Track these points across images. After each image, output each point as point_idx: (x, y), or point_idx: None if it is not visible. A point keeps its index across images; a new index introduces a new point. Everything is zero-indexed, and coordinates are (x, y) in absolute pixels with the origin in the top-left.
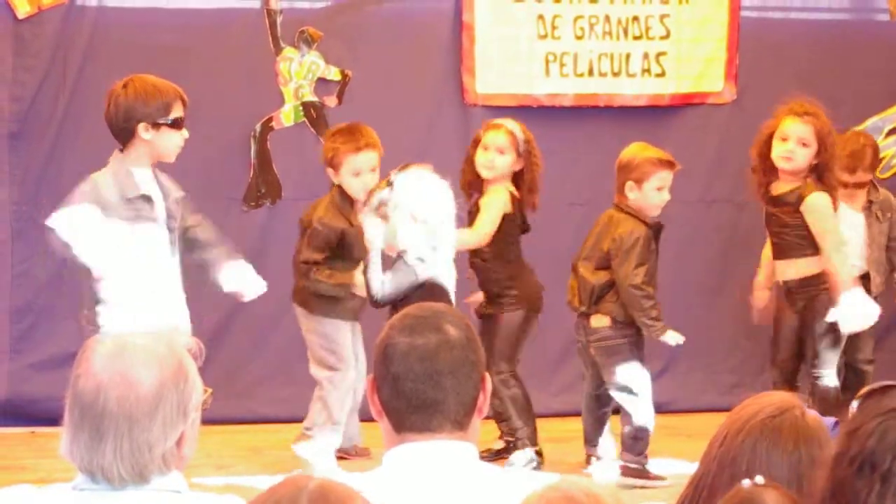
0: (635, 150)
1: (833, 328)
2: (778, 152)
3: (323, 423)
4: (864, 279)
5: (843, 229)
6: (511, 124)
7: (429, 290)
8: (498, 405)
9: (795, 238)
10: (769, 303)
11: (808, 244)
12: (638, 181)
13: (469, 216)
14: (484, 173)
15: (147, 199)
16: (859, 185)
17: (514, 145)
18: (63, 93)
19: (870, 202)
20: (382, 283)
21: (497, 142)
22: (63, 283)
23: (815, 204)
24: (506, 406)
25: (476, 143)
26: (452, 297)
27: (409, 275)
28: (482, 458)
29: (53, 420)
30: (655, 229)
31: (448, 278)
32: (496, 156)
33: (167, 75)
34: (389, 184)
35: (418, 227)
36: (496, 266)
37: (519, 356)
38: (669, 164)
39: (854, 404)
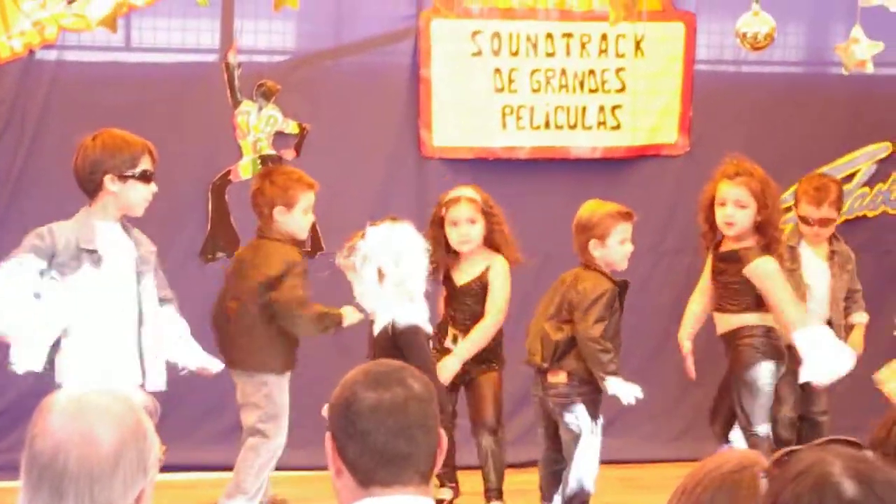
0: (592, 208)
1: (754, 384)
2: (720, 218)
3: (235, 491)
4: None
5: (808, 277)
6: (468, 192)
7: (415, 335)
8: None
9: (738, 294)
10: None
11: (751, 302)
12: (601, 238)
13: (450, 290)
14: (464, 248)
15: (93, 252)
16: (825, 223)
17: (479, 210)
18: (22, 146)
19: (833, 252)
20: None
21: (465, 214)
22: None
23: (759, 268)
24: (489, 462)
25: (438, 221)
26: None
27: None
28: None
29: (11, 474)
30: (622, 286)
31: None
32: (469, 228)
33: (125, 127)
34: (363, 235)
35: (385, 282)
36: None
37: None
38: (628, 216)
39: (763, 482)
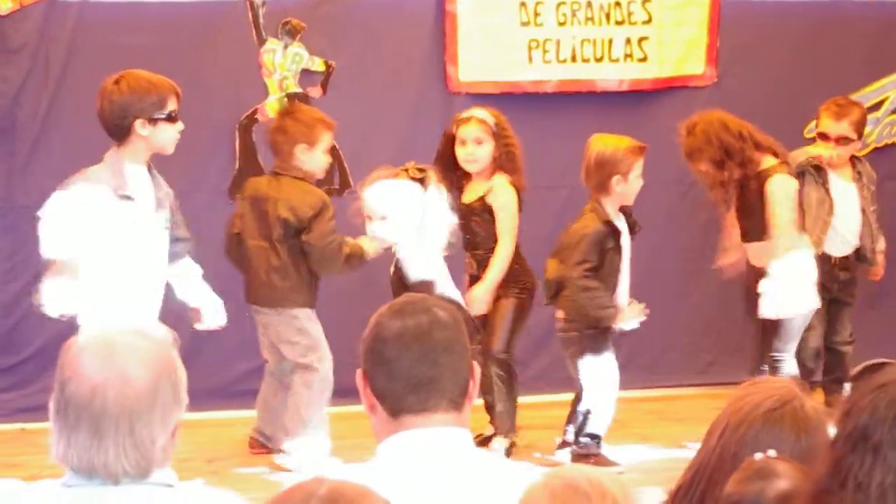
0: (609, 143)
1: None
2: None
3: (298, 430)
4: (858, 252)
5: (837, 200)
6: (480, 113)
7: (415, 289)
8: (489, 393)
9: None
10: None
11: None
12: (625, 174)
13: (460, 213)
14: (470, 168)
15: (128, 198)
16: (843, 141)
17: (489, 132)
18: (46, 88)
19: (858, 173)
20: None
21: (473, 134)
22: None
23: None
24: (493, 393)
25: (448, 139)
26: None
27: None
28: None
29: (43, 415)
30: (613, 226)
31: (438, 275)
32: (475, 148)
33: (151, 69)
34: (421, 180)
35: (424, 224)
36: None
37: (515, 343)
38: (643, 150)
39: (847, 386)
